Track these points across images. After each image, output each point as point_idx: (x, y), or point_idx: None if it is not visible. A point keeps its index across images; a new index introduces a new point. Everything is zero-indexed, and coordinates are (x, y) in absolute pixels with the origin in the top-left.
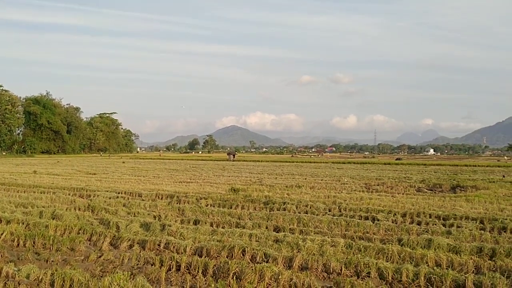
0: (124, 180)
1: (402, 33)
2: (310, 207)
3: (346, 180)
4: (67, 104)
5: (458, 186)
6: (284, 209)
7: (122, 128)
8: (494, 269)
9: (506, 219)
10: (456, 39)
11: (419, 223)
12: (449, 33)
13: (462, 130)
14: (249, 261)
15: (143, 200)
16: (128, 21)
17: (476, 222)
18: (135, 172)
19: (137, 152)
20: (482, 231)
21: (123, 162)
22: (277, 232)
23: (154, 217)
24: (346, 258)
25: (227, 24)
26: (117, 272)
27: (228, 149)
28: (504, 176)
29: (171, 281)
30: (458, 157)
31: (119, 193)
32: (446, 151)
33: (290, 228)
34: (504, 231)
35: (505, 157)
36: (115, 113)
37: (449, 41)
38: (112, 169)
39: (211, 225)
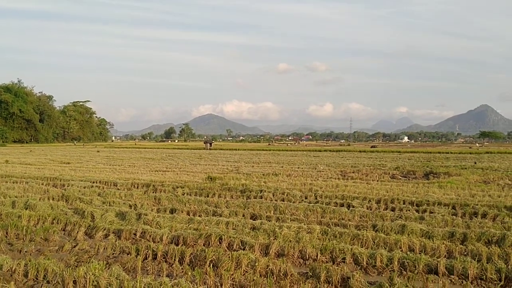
0: (98, 169)
1: (378, 22)
2: (287, 195)
3: (322, 167)
4: (39, 92)
5: (431, 172)
6: (261, 197)
7: (96, 117)
8: (465, 253)
9: (477, 205)
10: (431, 28)
11: (393, 209)
12: (424, 22)
13: (435, 118)
14: (226, 249)
15: (118, 189)
16: (102, 7)
17: (448, 208)
18: (110, 161)
19: (112, 141)
20: (454, 217)
21: (98, 151)
22: (254, 219)
23: (130, 206)
24: (322, 244)
25: (203, 11)
26: (92, 262)
27: (205, 137)
28: (475, 163)
29: (147, 270)
30: (431, 145)
31: (93, 182)
32: (420, 139)
33: (267, 216)
34: (475, 216)
35: (477, 144)
36: (89, 101)
37: (423, 30)
38: (86, 158)
39: (188, 213)
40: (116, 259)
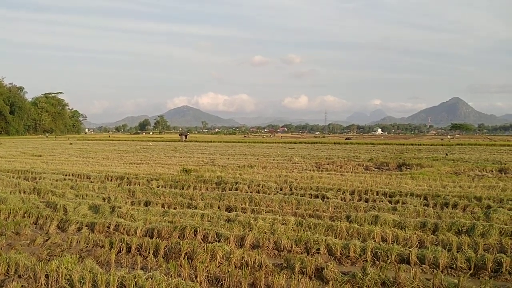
0: (71, 162)
1: (352, 14)
2: (262, 187)
3: (297, 159)
4: (9, 84)
5: (404, 164)
6: (236, 189)
7: (69, 109)
8: (436, 243)
9: (448, 195)
10: (404, 21)
11: (366, 200)
12: (397, 15)
13: (408, 110)
14: (201, 241)
15: (91, 182)
16: None
17: (420, 199)
18: (83, 153)
19: (85, 133)
20: (426, 207)
21: (71, 144)
22: (229, 211)
23: (104, 199)
24: (297, 235)
25: (177, 2)
26: (65, 256)
27: (180, 129)
28: (447, 154)
29: (121, 263)
30: (404, 136)
31: (66, 175)
32: (393, 131)
33: (242, 208)
34: (446, 207)
35: (448, 136)
36: (61, 93)
37: (396, 23)
38: (59, 151)
39: (163, 206)
40: (90, 253)
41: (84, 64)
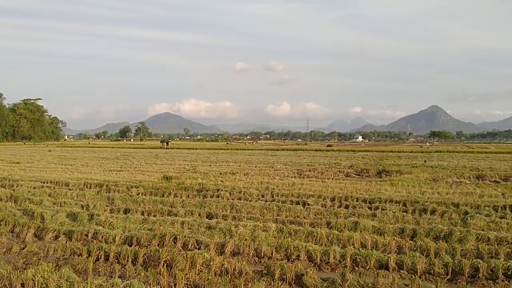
0: (50, 169)
1: (333, 24)
2: (244, 194)
3: (279, 166)
4: None
5: (383, 171)
6: (218, 196)
7: (48, 115)
8: (414, 248)
9: (426, 202)
10: (383, 30)
11: (346, 207)
12: (376, 24)
13: (388, 117)
14: (181, 248)
15: (70, 189)
16: (54, 2)
17: (399, 205)
18: (62, 160)
19: (65, 140)
20: (405, 213)
21: (49, 151)
22: (210, 219)
23: (82, 206)
24: (277, 242)
25: (159, 9)
26: (41, 264)
27: (162, 136)
28: (425, 161)
29: (99, 271)
30: (384, 144)
31: (44, 182)
32: (373, 138)
33: (223, 215)
34: (425, 213)
35: (427, 144)
36: (40, 99)
37: (376, 32)
38: (37, 158)
39: (142, 213)
40: (67, 261)
41: (64, 70)
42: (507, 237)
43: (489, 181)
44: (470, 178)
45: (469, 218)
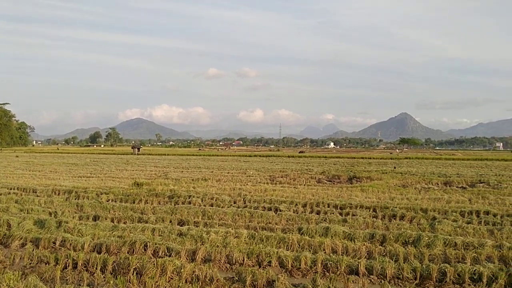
0: (17, 175)
1: (306, 31)
2: (216, 200)
3: (251, 172)
4: None
5: (354, 177)
6: (189, 203)
7: (15, 120)
8: (384, 253)
9: (396, 207)
10: (354, 38)
11: (318, 213)
12: (349, 32)
13: (359, 124)
14: (151, 256)
15: (38, 196)
16: (23, 5)
17: (369, 211)
18: (29, 166)
19: (33, 145)
20: (375, 219)
21: (17, 156)
22: (182, 225)
23: (50, 213)
24: (249, 248)
25: (131, 13)
26: (7, 272)
27: (133, 142)
28: (395, 168)
29: (66, 280)
30: (355, 150)
31: (11, 189)
32: (345, 145)
33: (194, 221)
34: (394, 218)
35: (397, 150)
36: (8, 103)
37: (347, 40)
38: (4, 164)
39: (112, 220)
40: (34, 269)
41: (32, 74)
42: (473, 242)
43: (456, 187)
44: (438, 184)
45: (437, 223)
